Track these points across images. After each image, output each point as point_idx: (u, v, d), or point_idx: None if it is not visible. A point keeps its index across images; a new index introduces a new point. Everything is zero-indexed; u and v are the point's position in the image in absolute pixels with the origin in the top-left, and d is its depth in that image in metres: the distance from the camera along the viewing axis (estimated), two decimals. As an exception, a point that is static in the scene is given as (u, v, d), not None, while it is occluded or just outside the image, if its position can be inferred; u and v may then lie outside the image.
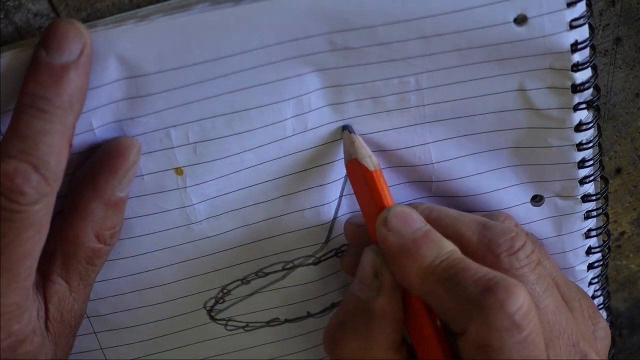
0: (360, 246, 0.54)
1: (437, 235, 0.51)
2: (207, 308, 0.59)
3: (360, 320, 0.51)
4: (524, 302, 0.48)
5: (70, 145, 0.48)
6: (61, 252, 0.52)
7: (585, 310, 0.57)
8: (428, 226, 0.52)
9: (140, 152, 0.52)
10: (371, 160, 0.53)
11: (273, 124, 0.53)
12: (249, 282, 0.59)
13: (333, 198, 0.57)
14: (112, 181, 0.51)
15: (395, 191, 0.57)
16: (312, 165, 0.55)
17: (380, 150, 0.56)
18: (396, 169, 0.57)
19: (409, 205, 0.54)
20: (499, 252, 0.52)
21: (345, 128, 0.55)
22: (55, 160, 0.47)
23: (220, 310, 0.60)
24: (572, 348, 0.52)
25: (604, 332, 0.57)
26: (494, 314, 0.47)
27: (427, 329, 0.51)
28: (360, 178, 0.54)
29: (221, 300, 0.59)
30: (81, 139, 0.51)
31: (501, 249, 0.52)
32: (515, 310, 0.47)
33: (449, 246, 0.51)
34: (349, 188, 0.57)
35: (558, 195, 0.58)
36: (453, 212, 0.54)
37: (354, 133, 0.54)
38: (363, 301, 0.51)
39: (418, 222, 0.52)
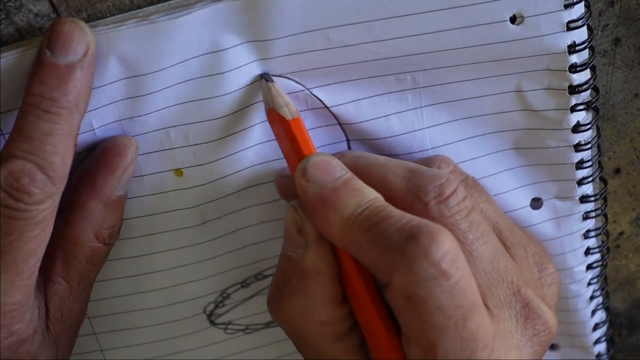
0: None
1: (359, 183, 0.49)
2: (207, 313, 0.59)
3: (295, 279, 0.50)
4: (449, 249, 0.45)
5: (76, 145, 0.49)
6: (61, 252, 0.52)
7: (530, 256, 0.55)
8: (349, 174, 0.49)
9: (138, 150, 0.52)
10: (288, 108, 0.51)
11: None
12: (248, 285, 0.59)
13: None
14: (110, 180, 0.51)
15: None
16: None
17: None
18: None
19: (334, 154, 0.52)
20: (427, 200, 0.49)
21: (263, 77, 0.52)
22: (60, 160, 0.47)
23: (220, 315, 0.59)
24: (513, 296, 0.50)
25: (551, 278, 0.55)
26: (417, 262, 0.45)
27: (356, 282, 0.49)
28: (280, 128, 0.51)
29: (221, 305, 0.59)
30: (81, 139, 0.51)
31: (429, 196, 0.49)
32: (440, 257, 0.45)
33: (372, 194, 0.48)
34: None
35: (557, 197, 0.58)
36: (381, 159, 0.52)
37: (272, 81, 0.52)
38: (294, 260, 0.49)
39: (339, 170, 0.49)
